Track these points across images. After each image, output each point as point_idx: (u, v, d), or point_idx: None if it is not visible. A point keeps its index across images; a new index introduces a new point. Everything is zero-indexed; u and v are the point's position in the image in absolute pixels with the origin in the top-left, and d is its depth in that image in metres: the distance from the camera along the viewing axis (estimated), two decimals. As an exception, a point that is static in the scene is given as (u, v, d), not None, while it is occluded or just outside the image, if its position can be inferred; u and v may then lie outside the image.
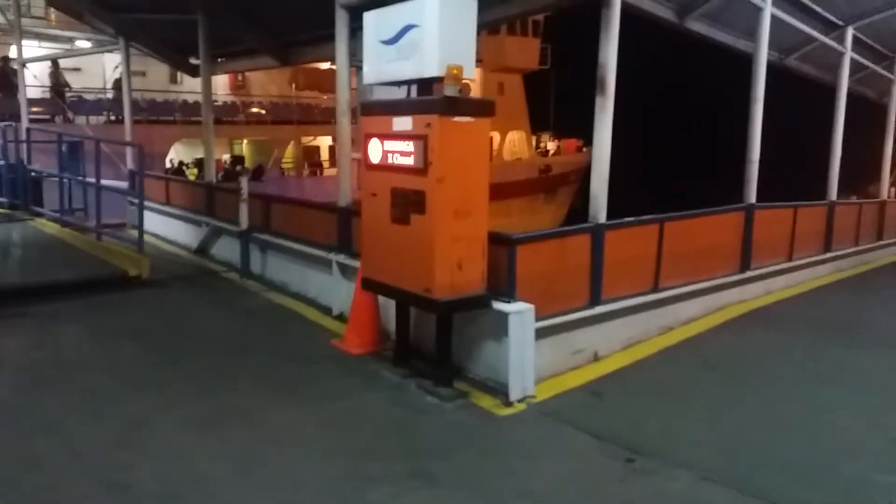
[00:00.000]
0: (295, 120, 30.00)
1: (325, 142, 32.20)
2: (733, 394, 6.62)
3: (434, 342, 6.31)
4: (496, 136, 35.52)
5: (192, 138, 24.75)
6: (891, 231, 14.87)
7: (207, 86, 12.75)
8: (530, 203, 36.50)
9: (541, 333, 6.40)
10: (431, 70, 5.84)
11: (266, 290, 9.85)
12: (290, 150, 30.77)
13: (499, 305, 6.21)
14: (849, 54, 12.62)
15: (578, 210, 31.62)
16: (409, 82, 6.22)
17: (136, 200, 12.77)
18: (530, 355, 6.22)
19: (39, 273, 9.40)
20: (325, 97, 31.06)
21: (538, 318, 6.31)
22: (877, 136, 15.51)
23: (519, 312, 6.16)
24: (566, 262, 7.02)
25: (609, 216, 7.16)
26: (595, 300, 7.24)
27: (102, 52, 17.21)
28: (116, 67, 22.34)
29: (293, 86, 30.89)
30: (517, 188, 33.89)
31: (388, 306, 7.14)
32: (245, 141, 30.41)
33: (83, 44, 22.99)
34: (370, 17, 6.36)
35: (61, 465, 4.88)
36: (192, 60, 14.71)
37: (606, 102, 6.90)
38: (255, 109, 29.03)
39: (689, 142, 51.37)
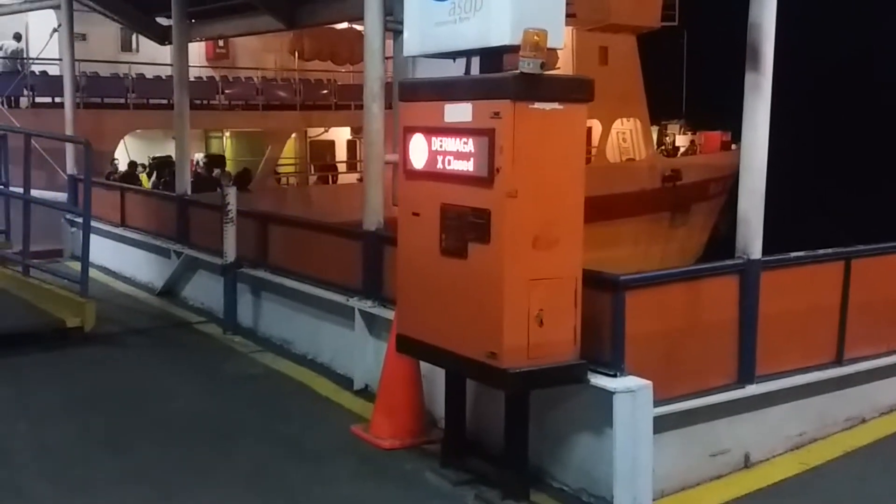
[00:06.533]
0: (298, 103, 25.68)
1: (341, 135, 28.15)
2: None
3: (502, 434, 5.74)
4: (596, 126, 29.85)
5: (149, 129, 22.62)
6: None
7: (183, 57, 11.81)
8: (649, 227, 29.87)
9: (663, 424, 5.70)
10: (501, 36, 5.21)
11: (259, 351, 9.17)
12: (290, 147, 26.89)
13: (599, 381, 5.53)
14: None
15: (723, 239, 26.41)
16: (468, 53, 5.66)
17: (78, 220, 11.91)
18: (646, 457, 5.50)
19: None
20: (343, 69, 26.99)
21: (659, 402, 5.60)
22: None
23: (629, 392, 5.43)
24: (702, 317, 6.24)
25: (768, 248, 6.31)
26: (746, 376, 6.36)
27: (34, 8, 16.30)
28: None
29: (296, 54, 26.49)
30: (628, 204, 27.62)
31: (435, 378, 6.62)
32: (227, 134, 26.94)
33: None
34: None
35: None
36: (161, 21, 13.93)
37: (761, 80, 6.04)
38: (237, 90, 25.78)
39: (885, 137, 41.98)
